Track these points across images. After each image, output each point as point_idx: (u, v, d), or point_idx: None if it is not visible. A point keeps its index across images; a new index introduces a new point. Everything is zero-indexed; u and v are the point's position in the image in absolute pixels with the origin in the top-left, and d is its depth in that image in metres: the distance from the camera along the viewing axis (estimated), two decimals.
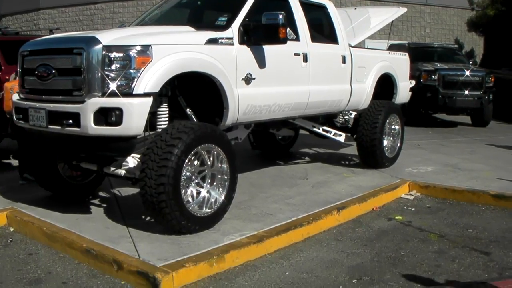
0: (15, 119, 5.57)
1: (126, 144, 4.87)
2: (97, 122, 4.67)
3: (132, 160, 5.22)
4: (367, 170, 8.01)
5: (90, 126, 4.67)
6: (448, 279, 4.31)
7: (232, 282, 4.30)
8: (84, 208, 5.88)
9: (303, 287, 4.24)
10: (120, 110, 4.63)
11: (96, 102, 4.67)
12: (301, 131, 9.00)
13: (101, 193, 6.58)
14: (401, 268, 4.57)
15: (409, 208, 6.48)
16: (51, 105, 4.99)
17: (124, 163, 5.25)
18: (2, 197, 6.34)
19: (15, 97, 5.61)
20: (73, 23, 24.96)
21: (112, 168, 5.34)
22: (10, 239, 5.34)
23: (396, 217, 6.08)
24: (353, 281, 4.34)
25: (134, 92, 4.69)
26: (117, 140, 4.80)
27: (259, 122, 6.47)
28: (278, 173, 7.88)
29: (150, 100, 4.75)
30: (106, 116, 4.67)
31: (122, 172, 5.24)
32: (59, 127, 4.89)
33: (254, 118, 6.12)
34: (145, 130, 5.24)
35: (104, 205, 6.09)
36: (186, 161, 4.85)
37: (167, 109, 5.38)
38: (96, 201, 6.24)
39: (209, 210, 5.16)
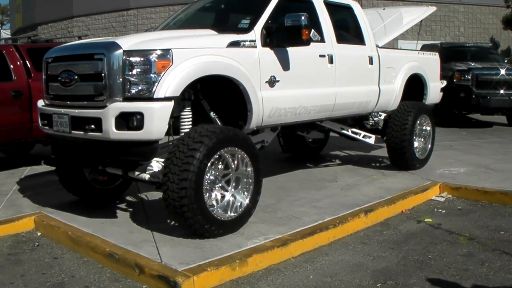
0: (40, 125, 5.64)
1: (148, 149, 4.86)
2: (118, 126, 4.68)
3: (156, 165, 5.22)
4: (398, 172, 7.87)
5: (112, 131, 4.68)
6: (476, 284, 4.17)
7: (254, 287, 4.25)
8: (110, 212, 5.91)
9: None
10: (141, 114, 4.63)
11: (117, 107, 4.68)
12: (332, 134, 8.90)
13: (128, 197, 6.61)
14: (428, 272, 4.45)
15: (440, 210, 6.33)
16: (74, 110, 5.03)
17: (148, 168, 5.25)
18: (30, 201, 6.43)
19: (40, 103, 5.68)
20: (106, 30, 25.30)
21: (136, 173, 5.35)
22: (37, 243, 5.39)
23: (425, 220, 5.94)
24: (378, 285, 4.23)
25: (155, 97, 4.69)
26: (139, 144, 4.79)
27: (285, 125, 6.41)
28: (306, 176, 7.81)
29: (171, 104, 4.74)
30: (127, 120, 4.68)
31: (146, 176, 5.24)
32: (82, 132, 4.92)
33: (280, 121, 6.06)
34: (169, 134, 5.27)
35: (130, 209, 6.11)
36: (209, 164, 4.83)
37: (190, 113, 5.37)
38: (123, 206, 6.27)
39: (234, 214, 5.13)
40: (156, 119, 4.66)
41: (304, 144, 9.33)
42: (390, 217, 6.04)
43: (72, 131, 5.04)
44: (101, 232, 5.18)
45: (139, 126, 4.64)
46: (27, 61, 8.34)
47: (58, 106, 5.31)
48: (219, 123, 5.60)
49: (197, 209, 4.71)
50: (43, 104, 5.63)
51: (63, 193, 6.33)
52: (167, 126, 4.79)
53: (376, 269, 4.56)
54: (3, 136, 8.00)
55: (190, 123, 5.36)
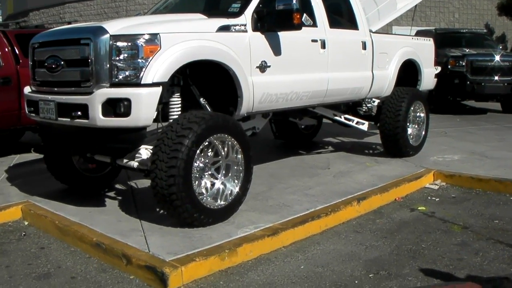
0: (27, 112, 5.51)
1: (136, 136, 4.75)
2: (105, 113, 4.57)
3: (145, 152, 5.12)
4: (391, 159, 7.79)
5: (99, 118, 4.57)
6: (470, 274, 4.09)
7: (244, 277, 4.16)
8: (99, 200, 5.81)
9: (317, 282, 4.07)
10: (128, 100, 4.51)
11: (104, 93, 4.56)
12: (325, 120, 8.79)
13: (117, 186, 6.51)
14: (421, 262, 4.37)
15: (433, 198, 6.25)
16: (61, 97, 4.91)
17: (137, 155, 5.15)
18: (18, 190, 6.31)
19: (27, 89, 5.55)
20: (98, 16, 25.02)
21: (125, 160, 5.25)
22: (24, 233, 5.29)
23: (419, 208, 5.86)
24: (370, 275, 4.15)
25: (142, 82, 4.57)
26: (127, 131, 4.68)
27: (277, 111, 6.30)
28: (299, 163, 7.71)
29: (159, 90, 4.62)
30: (115, 107, 4.56)
31: (135, 164, 5.14)
32: (69, 119, 4.80)
33: (271, 107, 5.96)
34: (157, 120, 5.16)
35: (119, 197, 6.01)
36: (198, 152, 4.72)
37: (180, 99, 5.27)
38: (112, 194, 6.16)
39: (224, 203, 5.03)
40: (144, 105, 4.55)
41: (297, 130, 9.23)
42: (383, 205, 5.95)
43: (59, 118, 4.92)
44: (88, 221, 5.08)
45: (127, 113, 4.53)
46: (15, 47, 8.18)
47: (45, 92, 5.18)
48: (209, 109, 5.49)
49: (186, 197, 4.61)
50: (30, 90, 5.50)
51: (52, 182, 6.20)
52: (155, 112, 4.67)
53: (369, 258, 4.48)
54: None
55: (179, 109, 5.26)
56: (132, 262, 4.21)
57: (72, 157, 5.94)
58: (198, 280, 4.09)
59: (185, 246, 4.40)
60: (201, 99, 5.49)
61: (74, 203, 5.67)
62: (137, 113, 4.52)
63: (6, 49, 8.09)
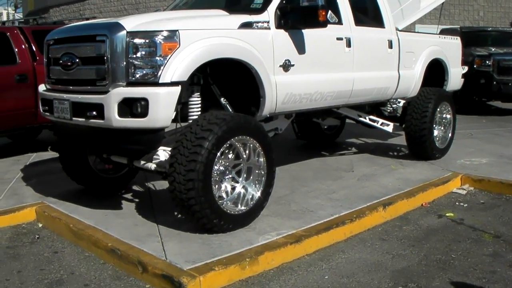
0: (41, 110, 5.35)
1: (153, 137, 4.55)
2: (121, 113, 4.38)
3: (163, 153, 4.92)
4: (416, 162, 7.52)
5: (114, 118, 4.38)
6: None
7: (265, 287, 3.95)
8: (115, 203, 5.63)
9: None
10: (145, 100, 4.31)
11: (120, 92, 4.38)
12: (348, 120, 8.54)
13: (135, 187, 6.33)
14: (451, 274, 4.12)
15: (461, 204, 5.98)
16: (75, 96, 4.73)
17: (155, 157, 4.96)
18: (33, 190, 6.17)
19: (41, 88, 5.39)
20: (118, 12, 24.91)
21: (142, 162, 5.06)
22: (37, 236, 5.13)
23: (447, 214, 5.60)
24: None
25: (160, 81, 4.37)
26: (144, 132, 4.49)
27: (300, 111, 6.07)
28: (322, 165, 7.48)
29: (178, 89, 4.41)
30: (131, 107, 4.37)
31: (152, 166, 4.95)
32: (83, 119, 4.63)
33: (294, 107, 5.73)
34: (176, 121, 4.97)
35: (137, 199, 5.83)
36: (219, 154, 4.52)
37: (199, 98, 5.07)
38: (129, 196, 5.99)
39: (244, 208, 4.82)
40: (162, 106, 4.35)
41: (319, 131, 9.00)
42: (409, 210, 5.71)
43: (73, 118, 4.75)
44: (104, 225, 4.91)
45: (144, 113, 4.33)
46: (32, 44, 8.06)
47: (60, 91, 5.01)
48: (230, 110, 5.28)
49: (205, 202, 4.40)
50: (44, 89, 5.33)
51: (67, 182, 6.04)
52: (174, 113, 4.47)
53: (396, 269, 4.24)
54: (8, 121, 7.75)
55: (199, 109, 5.06)
56: (148, 270, 4.02)
57: (88, 157, 5.77)
58: None
59: (204, 253, 4.20)
60: (222, 99, 5.28)
61: (89, 205, 5.50)
62: (155, 113, 4.33)
63: (23, 46, 7.97)
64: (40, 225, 5.42)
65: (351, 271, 4.21)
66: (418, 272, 4.16)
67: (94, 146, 5.38)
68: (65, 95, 4.85)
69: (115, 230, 4.76)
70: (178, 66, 4.41)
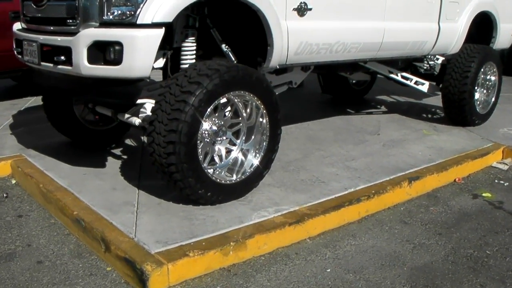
0: (15, 53, 4.62)
1: (131, 89, 3.80)
2: (92, 59, 3.60)
3: (150, 107, 4.15)
4: (453, 127, 6.62)
5: (83, 65, 3.61)
6: None
7: (249, 281, 3.21)
8: (100, 160, 4.93)
9: None
10: (119, 44, 3.52)
11: (90, 34, 3.59)
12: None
13: (128, 141, 5.62)
14: (484, 277, 3.31)
15: (501, 182, 5.11)
16: (44, 37, 3.97)
17: (141, 110, 4.20)
18: (17, 140, 5.53)
19: (16, 26, 4.63)
20: None
21: (126, 115, 4.34)
22: (6, 194, 4.50)
23: (483, 194, 4.77)
24: None
25: (139, 22, 3.55)
26: (119, 83, 3.72)
27: (319, 64, 5.21)
28: (344, 125, 6.65)
29: (160, 32, 3.60)
30: (103, 52, 3.59)
31: (137, 121, 4.21)
32: (51, 65, 3.88)
33: (310, 59, 4.89)
34: (166, 71, 4.22)
35: (125, 157, 5.12)
36: (209, 112, 3.73)
37: (194, 44, 4.26)
38: (118, 151, 5.28)
39: (240, 177, 4.06)
40: (139, 52, 3.54)
41: (347, 85, 8.14)
42: (439, 187, 4.89)
43: (42, 63, 4.00)
44: (78, 187, 4.22)
45: (117, 60, 3.54)
46: None
47: (31, 31, 4.26)
48: (233, 59, 4.46)
49: (189, 170, 3.65)
50: (19, 28, 4.58)
51: (56, 133, 5.35)
52: (153, 60, 3.65)
53: (416, 265, 3.45)
54: (3, 62, 7.08)
55: (194, 57, 4.26)
56: (111, 250, 3.33)
57: (74, 107, 5.06)
58: (190, 282, 3.17)
59: (182, 231, 3.48)
60: (223, 45, 4.45)
61: (71, 161, 4.83)
62: (130, 61, 3.53)
63: None
64: (14, 181, 4.79)
65: (360, 264, 3.45)
66: (442, 272, 3.37)
67: (69, 97, 4.66)
68: (34, 36, 4.09)
69: (88, 195, 4.07)
70: (163, 3, 3.58)
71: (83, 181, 4.36)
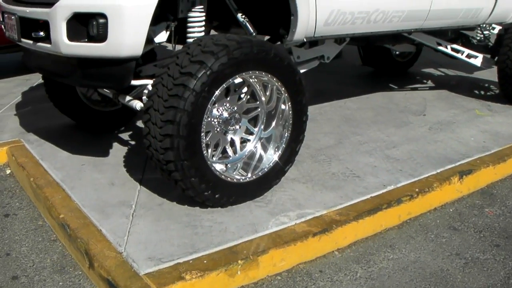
0: (3, 27, 4.03)
1: (119, 70, 3.14)
2: (72, 36, 2.97)
3: None
4: (509, 107, 5.81)
5: (63, 42, 2.98)
6: None
7: None
8: (104, 145, 4.35)
9: None
10: (103, 17, 2.88)
11: (69, 4, 2.94)
12: None
13: (140, 124, 5.01)
14: None
15: None
16: (23, 9, 3.35)
17: (144, 91, 3.57)
18: (18, 122, 4.98)
19: None
20: None
21: (127, 98, 3.71)
22: None
23: None
24: None
25: None
26: (105, 64, 3.09)
27: (355, 36, 4.49)
28: (386, 103, 5.91)
29: (153, 2, 2.95)
30: (86, 26, 2.96)
31: (138, 104, 3.57)
32: (31, 42, 3.28)
33: (344, 30, 4.17)
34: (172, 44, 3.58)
35: (132, 142, 4.52)
36: (217, 95, 3.07)
37: (203, 13, 3.57)
38: (126, 136, 4.68)
39: (255, 174, 3.42)
40: (127, 26, 2.89)
41: (389, 57, 7.35)
42: (496, 182, 4.15)
43: (22, 39, 3.40)
44: (72, 181, 3.65)
45: (102, 36, 2.91)
46: None
47: (12, 1, 3.65)
48: (252, 31, 3.79)
49: (190, 168, 3.02)
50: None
51: (59, 113, 4.80)
52: (145, 35, 3.01)
53: None
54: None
55: (202, 29, 3.59)
56: (94, 268, 2.75)
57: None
58: None
59: (181, 243, 2.87)
60: (239, 14, 3.76)
61: (71, 147, 4.27)
62: (117, 37, 2.89)
63: None
64: (8, 171, 4.27)
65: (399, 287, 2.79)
66: None
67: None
68: (13, 8, 3.48)
69: (81, 191, 3.49)
70: None
71: (80, 174, 3.78)
